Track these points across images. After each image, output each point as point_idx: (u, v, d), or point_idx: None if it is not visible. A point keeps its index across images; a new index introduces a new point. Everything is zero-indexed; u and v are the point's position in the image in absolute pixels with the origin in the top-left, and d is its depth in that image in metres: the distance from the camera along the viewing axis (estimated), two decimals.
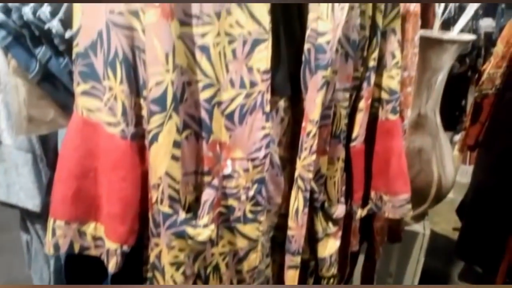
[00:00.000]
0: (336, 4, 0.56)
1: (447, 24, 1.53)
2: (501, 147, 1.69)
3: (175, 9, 0.47)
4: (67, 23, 0.53)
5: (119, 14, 0.46)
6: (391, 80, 0.71)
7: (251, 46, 0.54)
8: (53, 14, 0.54)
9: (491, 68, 1.80)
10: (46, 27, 0.53)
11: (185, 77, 0.51)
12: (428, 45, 1.33)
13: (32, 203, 0.85)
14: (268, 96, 0.57)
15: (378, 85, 0.73)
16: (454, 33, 1.32)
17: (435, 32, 1.35)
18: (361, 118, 0.70)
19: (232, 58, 0.53)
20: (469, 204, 1.87)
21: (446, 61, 1.35)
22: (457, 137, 1.89)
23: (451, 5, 1.35)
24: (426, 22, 1.61)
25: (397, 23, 0.68)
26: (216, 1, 0.49)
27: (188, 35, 0.50)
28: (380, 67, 0.70)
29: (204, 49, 0.51)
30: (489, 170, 1.76)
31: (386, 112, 0.73)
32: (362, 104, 0.70)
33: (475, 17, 1.56)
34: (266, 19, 0.53)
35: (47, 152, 0.82)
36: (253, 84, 0.55)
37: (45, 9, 0.53)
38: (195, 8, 0.49)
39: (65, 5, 0.54)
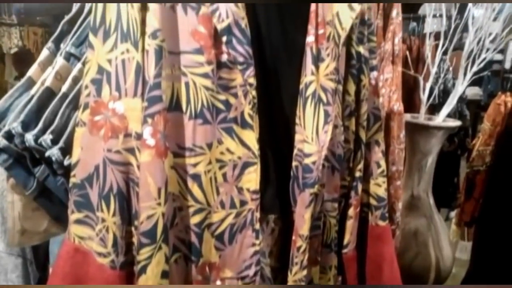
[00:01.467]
0: (320, 128, 0.60)
1: (433, 107, 1.61)
2: (497, 224, 1.68)
3: (170, 143, 0.51)
4: (66, 150, 0.56)
5: (116, 153, 0.49)
6: (378, 187, 0.73)
7: (241, 169, 0.56)
8: (54, 141, 0.57)
9: (480, 145, 1.86)
10: (46, 154, 0.56)
11: (177, 203, 0.53)
12: (416, 130, 1.39)
13: None
14: (257, 214, 0.58)
15: (366, 191, 0.75)
16: (439, 119, 1.39)
17: (422, 117, 1.41)
18: (351, 225, 0.71)
19: (223, 181, 0.56)
20: (471, 282, 1.81)
21: (434, 145, 1.39)
22: (453, 214, 1.89)
23: (436, 92, 1.43)
24: (413, 105, 1.70)
25: (379, 136, 0.72)
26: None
27: (181, 165, 0.52)
28: (366, 175, 0.73)
29: (196, 177, 0.53)
30: (487, 247, 1.74)
31: (375, 217, 0.74)
32: (352, 212, 0.71)
33: (460, 100, 1.64)
34: (255, 145, 0.56)
35: (37, 254, 0.82)
36: (243, 203, 0.57)
37: (47, 136, 0.57)
38: (188, 141, 0.52)
39: (66, 133, 0.57)
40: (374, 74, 0.72)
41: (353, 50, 0.66)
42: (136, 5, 0.47)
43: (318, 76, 0.60)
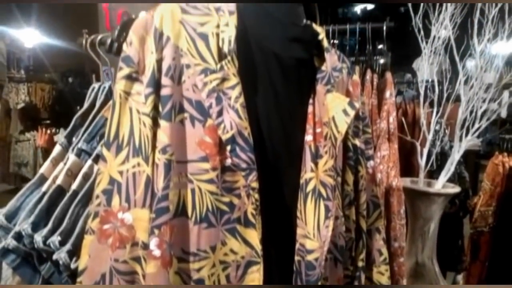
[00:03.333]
0: (322, 223, 0.62)
1: (433, 170, 1.63)
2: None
3: (175, 249, 0.52)
4: (74, 252, 0.58)
5: (123, 263, 0.50)
6: (381, 276, 0.74)
7: (244, 269, 0.57)
8: (62, 243, 0.58)
9: (482, 206, 1.86)
10: (54, 257, 0.57)
11: None
12: (416, 196, 1.40)
13: None
14: None
15: (369, 279, 0.75)
16: (439, 186, 1.40)
17: (421, 183, 1.43)
18: None
19: (226, 282, 0.56)
20: None
21: (435, 211, 1.40)
22: (460, 277, 1.85)
23: (433, 158, 1.46)
24: (412, 169, 1.72)
25: (380, 223, 0.74)
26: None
27: (185, 270, 0.53)
28: (369, 264, 0.74)
29: (200, 282, 0.54)
30: None
31: None
32: None
33: (458, 163, 1.68)
34: (258, 244, 0.57)
35: None
36: None
37: (55, 238, 0.58)
38: (193, 246, 0.54)
39: (74, 235, 0.59)
40: (371, 163, 0.75)
41: (350, 143, 0.70)
42: (148, 123, 0.51)
43: (317, 172, 0.63)
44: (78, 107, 0.81)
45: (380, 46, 1.52)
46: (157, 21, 0.52)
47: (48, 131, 3.86)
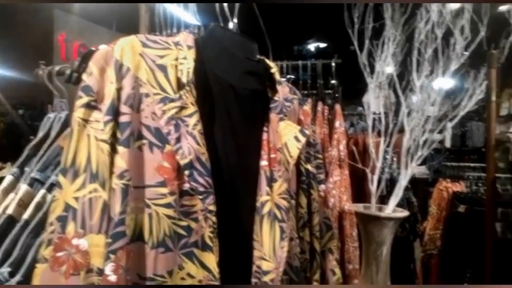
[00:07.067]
0: (277, 244, 0.64)
1: (383, 197, 1.72)
2: None
3: (131, 274, 0.52)
4: (25, 282, 0.56)
5: None
6: None
7: None
8: (12, 274, 0.56)
9: (430, 230, 1.97)
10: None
11: None
12: (369, 221, 1.47)
13: None
14: None
15: None
16: (389, 210, 1.48)
17: (373, 208, 1.50)
18: None
19: None
20: None
21: (387, 234, 1.47)
22: None
23: (383, 184, 1.55)
24: (364, 195, 1.81)
25: (332, 244, 0.78)
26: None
27: None
28: (323, 283, 0.76)
29: None
30: None
31: None
32: None
33: (407, 189, 1.79)
34: (215, 268, 0.59)
35: None
36: None
37: (5, 270, 0.56)
38: (149, 271, 0.54)
39: (25, 265, 0.57)
40: (323, 187, 0.79)
41: (302, 168, 0.74)
42: (106, 149, 0.52)
43: (272, 195, 0.66)
44: (32, 137, 0.81)
45: (332, 82, 1.63)
46: (118, 53, 0.55)
47: None
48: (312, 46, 5.21)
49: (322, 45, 4.80)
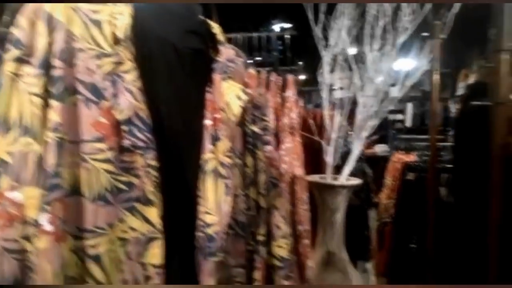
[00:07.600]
0: (221, 199, 0.67)
1: (339, 167, 1.79)
2: (406, 276, 1.83)
3: (69, 227, 0.53)
4: None
5: (12, 241, 0.50)
6: (281, 249, 0.80)
7: (145, 245, 0.59)
8: None
9: (385, 199, 2.07)
10: None
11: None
12: (324, 190, 1.53)
13: None
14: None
15: (270, 253, 0.81)
16: (343, 179, 1.55)
17: (329, 178, 1.57)
18: None
19: (126, 259, 0.58)
20: None
21: (341, 202, 1.54)
22: (368, 265, 2.02)
23: (338, 155, 1.61)
24: (321, 167, 1.88)
25: (278, 201, 0.81)
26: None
27: (81, 248, 0.54)
28: (269, 237, 0.80)
29: (97, 258, 0.55)
30: None
31: (280, 278, 0.80)
32: (258, 275, 0.76)
33: (360, 160, 1.87)
34: (158, 221, 0.60)
35: None
36: (147, 279, 0.59)
37: None
38: (89, 223, 0.55)
39: None
40: (268, 148, 0.82)
41: (248, 129, 0.77)
42: (38, 103, 0.52)
43: (217, 154, 0.68)
44: None
45: (288, 55, 1.66)
46: (48, 5, 0.54)
47: None
48: (277, 27, 5.23)
49: (287, 25, 4.83)
